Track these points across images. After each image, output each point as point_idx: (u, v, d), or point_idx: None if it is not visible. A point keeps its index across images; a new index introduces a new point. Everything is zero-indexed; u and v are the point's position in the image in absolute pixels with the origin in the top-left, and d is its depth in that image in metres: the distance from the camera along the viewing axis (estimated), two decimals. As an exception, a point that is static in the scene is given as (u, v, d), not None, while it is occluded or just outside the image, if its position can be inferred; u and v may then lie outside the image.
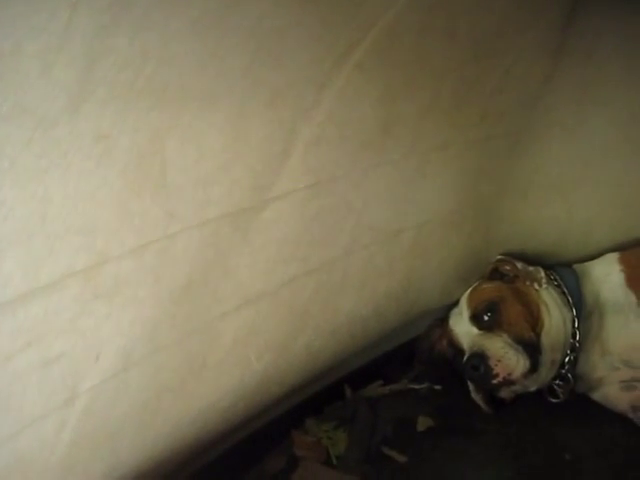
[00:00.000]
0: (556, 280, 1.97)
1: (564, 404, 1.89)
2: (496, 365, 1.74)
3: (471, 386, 1.92)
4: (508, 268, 1.98)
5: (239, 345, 1.50)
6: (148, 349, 1.30)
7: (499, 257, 2.03)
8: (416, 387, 2.05)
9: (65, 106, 0.96)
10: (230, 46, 1.13)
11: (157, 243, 1.21)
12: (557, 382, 1.89)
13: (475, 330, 1.86)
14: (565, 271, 2.01)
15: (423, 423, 1.91)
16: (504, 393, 1.85)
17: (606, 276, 1.94)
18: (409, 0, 1.37)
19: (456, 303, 2.02)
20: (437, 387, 2.04)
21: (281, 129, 1.32)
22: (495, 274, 2.00)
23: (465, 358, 1.81)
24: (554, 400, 1.90)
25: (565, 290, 1.93)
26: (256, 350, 1.55)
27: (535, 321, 1.84)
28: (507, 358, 1.74)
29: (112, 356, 1.24)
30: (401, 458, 1.79)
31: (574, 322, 1.88)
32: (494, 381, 1.74)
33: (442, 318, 2.06)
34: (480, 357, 1.75)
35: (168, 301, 1.29)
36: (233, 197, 1.30)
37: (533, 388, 1.86)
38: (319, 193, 1.48)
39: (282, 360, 1.63)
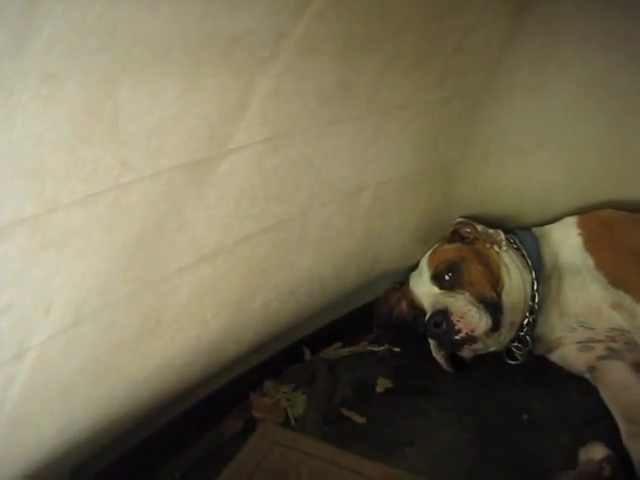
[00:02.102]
0: (516, 243, 1.98)
1: (522, 366, 1.91)
2: (458, 321, 1.74)
3: (432, 344, 1.93)
4: (468, 230, 1.99)
5: (195, 302, 1.48)
6: (100, 303, 1.27)
7: (459, 219, 2.04)
8: (375, 349, 2.06)
9: (9, 41, 0.91)
10: (184, -11, 1.10)
11: (109, 192, 1.17)
12: (515, 344, 1.90)
13: (436, 290, 1.87)
14: (525, 234, 2.02)
15: (382, 384, 1.91)
16: (465, 352, 1.85)
17: (565, 239, 1.95)
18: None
19: (415, 266, 2.02)
20: (396, 349, 2.05)
21: (237, 80, 1.29)
22: (455, 236, 2.01)
23: (427, 316, 1.81)
24: (512, 362, 1.92)
25: (524, 253, 1.95)
26: (213, 307, 1.53)
27: (496, 281, 1.86)
28: (470, 315, 1.75)
29: (62, 310, 1.21)
30: (360, 419, 1.79)
31: (533, 284, 1.89)
32: (457, 337, 1.75)
33: (400, 282, 2.07)
34: (442, 314, 1.76)
35: (121, 254, 1.26)
36: (188, 148, 1.27)
37: (493, 348, 1.88)
38: (276, 148, 1.46)
39: (239, 318, 1.62)
